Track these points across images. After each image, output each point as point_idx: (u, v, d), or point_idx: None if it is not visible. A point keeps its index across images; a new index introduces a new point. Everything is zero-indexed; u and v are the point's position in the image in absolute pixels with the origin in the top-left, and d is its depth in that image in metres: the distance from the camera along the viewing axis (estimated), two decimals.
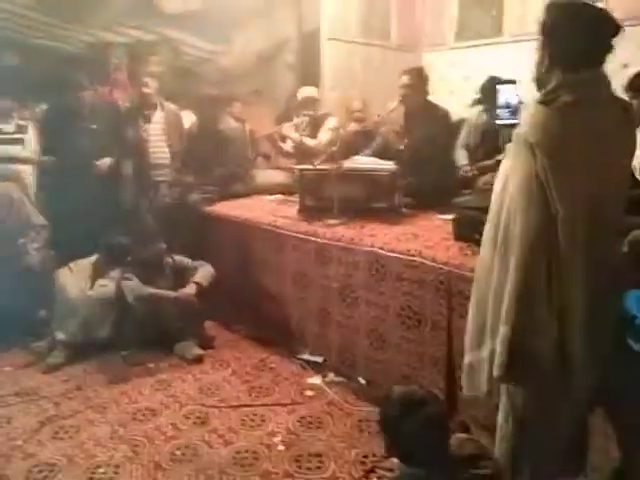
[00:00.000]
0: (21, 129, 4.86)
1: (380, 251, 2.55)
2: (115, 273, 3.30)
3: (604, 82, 1.52)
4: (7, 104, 4.85)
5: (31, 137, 4.80)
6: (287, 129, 4.14)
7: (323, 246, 2.86)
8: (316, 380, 2.80)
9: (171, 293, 3.09)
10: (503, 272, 1.55)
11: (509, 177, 1.56)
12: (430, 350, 2.40)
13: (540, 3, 1.62)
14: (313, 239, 2.91)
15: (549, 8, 1.58)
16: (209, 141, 3.96)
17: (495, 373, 1.54)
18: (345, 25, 5.13)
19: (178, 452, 2.25)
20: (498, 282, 1.57)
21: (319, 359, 2.98)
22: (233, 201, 3.81)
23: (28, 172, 4.00)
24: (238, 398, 2.66)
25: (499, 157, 3.22)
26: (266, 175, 4.14)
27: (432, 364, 2.40)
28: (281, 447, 2.26)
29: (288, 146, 4.29)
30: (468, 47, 5.44)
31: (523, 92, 4.84)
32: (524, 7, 4.97)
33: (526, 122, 1.53)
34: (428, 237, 2.60)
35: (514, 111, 2.33)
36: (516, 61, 4.92)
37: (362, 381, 2.75)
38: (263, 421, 2.46)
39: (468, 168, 3.30)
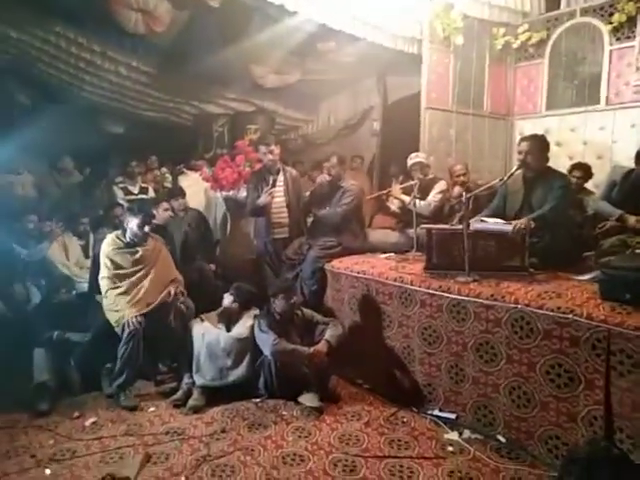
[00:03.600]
0: (144, 190, 5.38)
1: (527, 308, 2.62)
2: (245, 321, 3.52)
3: None
4: (132, 167, 5.40)
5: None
6: (397, 191, 4.36)
7: (458, 302, 2.95)
8: (453, 436, 2.83)
9: (306, 349, 3.23)
10: None
11: None
12: (584, 410, 2.40)
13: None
14: (446, 295, 3.01)
15: None
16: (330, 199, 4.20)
17: None
18: (442, 95, 5.42)
19: None
20: None
21: (452, 415, 3.01)
22: (349, 258, 3.98)
23: None
24: (380, 449, 2.72)
25: None
26: (379, 234, 4.33)
27: (587, 424, 2.39)
28: None
29: (395, 206, 4.52)
30: (559, 115, 5.60)
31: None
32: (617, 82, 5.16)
33: None
34: (572, 296, 2.65)
35: None
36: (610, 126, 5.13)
37: (502, 439, 2.75)
38: (412, 473, 2.50)
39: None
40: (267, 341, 3.24)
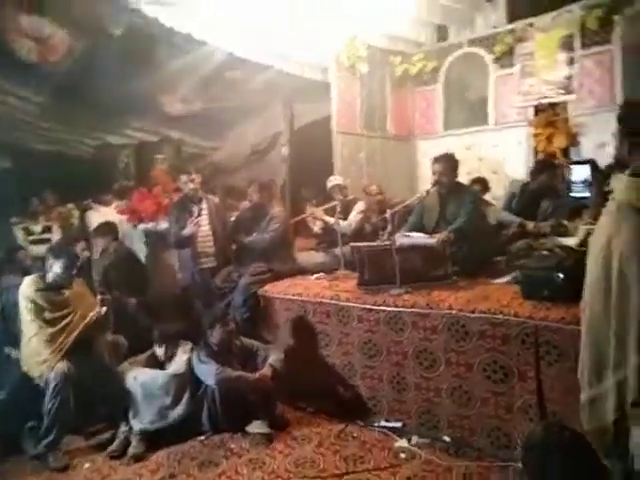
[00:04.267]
0: (47, 229, 5.06)
1: (460, 313, 2.82)
2: (180, 356, 3.41)
3: None
4: (34, 204, 5.06)
5: (55, 237, 4.98)
6: (319, 213, 4.49)
7: (395, 314, 3.10)
8: (403, 443, 2.93)
9: (251, 375, 3.20)
10: (621, 316, 1.85)
11: (613, 237, 1.90)
12: (519, 400, 2.62)
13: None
14: (383, 308, 3.15)
15: (623, 106, 2.03)
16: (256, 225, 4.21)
17: (631, 397, 1.79)
18: (351, 120, 5.68)
19: None
20: (618, 324, 1.86)
21: (398, 424, 3.12)
22: (282, 282, 4.02)
23: None
24: (337, 467, 2.76)
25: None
26: (306, 256, 4.41)
27: (523, 412, 2.61)
28: None
29: (317, 227, 4.65)
30: (455, 135, 6.10)
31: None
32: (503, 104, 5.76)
33: (629, 189, 1.89)
34: (497, 298, 2.91)
35: (588, 185, 2.74)
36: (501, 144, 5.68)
37: (447, 439, 2.90)
38: None
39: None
40: (210, 371, 3.17)
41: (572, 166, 3.00)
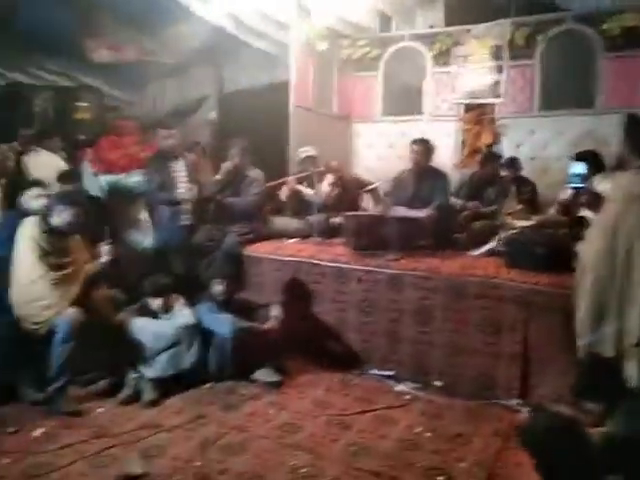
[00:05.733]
0: None
1: (460, 277, 3.33)
2: (180, 309, 3.47)
3: None
4: None
5: None
6: (292, 181, 4.72)
7: (395, 276, 3.52)
8: (403, 387, 3.39)
9: (261, 326, 3.39)
10: (626, 278, 2.48)
11: (620, 219, 2.52)
12: (507, 350, 3.22)
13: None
14: (385, 270, 3.55)
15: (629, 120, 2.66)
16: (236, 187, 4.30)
17: (634, 340, 2.43)
18: (304, 95, 5.90)
19: (351, 448, 2.64)
20: (622, 284, 2.49)
21: (390, 372, 3.56)
22: (265, 243, 4.20)
23: None
24: (354, 406, 3.11)
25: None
26: (282, 221, 4.61)
27: (509, 360, 3.21)
28: (428, 434, 2.81)
29: (283, 195, 4.86)
30: (391, 121, 6.64)
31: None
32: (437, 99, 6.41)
33: (635, 183, 2.51)
34: (483, 266, 3.48)
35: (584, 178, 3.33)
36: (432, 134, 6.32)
37: (438, 384, 3.41)
38: (394, 419, 2.97)
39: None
40: (225, 321, 3.30)
41: (572, 161, 3.63)
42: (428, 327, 3.44)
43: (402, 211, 3.90)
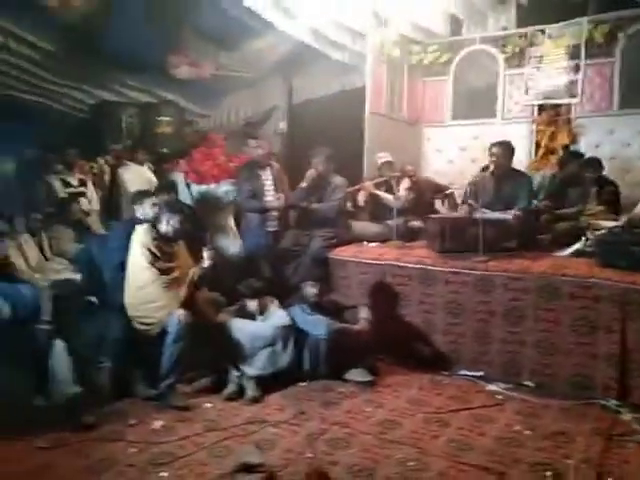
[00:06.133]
0: (83, 183, 4.97)
1: (553, 276, 3.33)
2: (275, 310, 3.65)
3: None
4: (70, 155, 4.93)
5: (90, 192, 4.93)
6: (370, 186, 4.84)
7: (483, 277, 3.56)
8: (494, 387, 3.41)
9: (354, 327, 3.52)
10: None
11: None
12: (603, 350, 3.19)
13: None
14: (474, 272, 3.60)
15: None
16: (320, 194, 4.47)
17: None
18: (378, 101, 6.01)
19: (452, 444, 2.71)
20: None
21: (479, 373, 3.59)
22: (348, 247, 4.34)
23: None
24: (448, 405, 3.17)
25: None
26: (362, 225, 4.74)
27: (606, 360, 3.18)
28: (527, 432, 2.83)
29: (361, 200, 4.98)
30: (462, 125, 6.63)
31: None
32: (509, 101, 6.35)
33: None
34: (575, 266, 3.46)
35: None
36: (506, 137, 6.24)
37: (530, 384, 3.41)
38: (491, 417, 3.01)
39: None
40: (320, 322, 3.46)
41: None
42: (519, 327, 3.45)
43: (487, 213, 3.92)
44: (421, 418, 3.01)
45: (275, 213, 4.41)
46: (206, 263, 3.50)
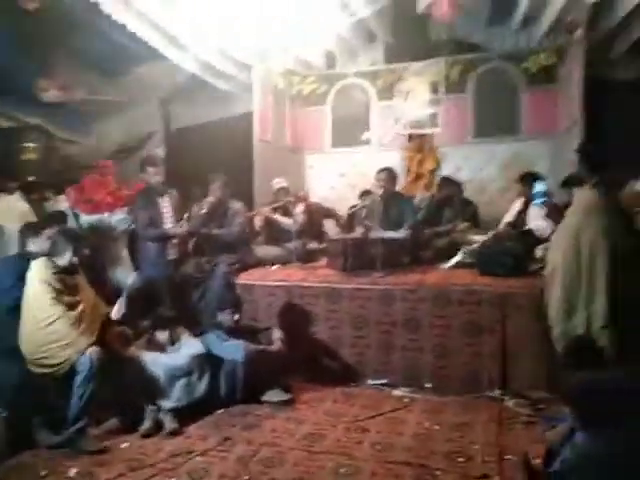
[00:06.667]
0: None
1: (444, 287, 3.76)
2: (187, 339, 3.63)
3: None
4: None
5: None
6: (266, 210, 5.02)
7: (386, 291, 3.89)
8: (399, 392, 3.73)
9: (272, 348, 3.62)
10: (592, 276, 3.01)
11: (583, 226, 3.06)
12: (487, 348, 3.67)
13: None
14: (376, 287, 3.92)
15: (582, 146, 3.24)
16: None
17: (600, 323, 2.94)
18: (265, 129, 6.23)
19: (376, 447, 2.93)
20: (588, 278, 3.01)
21: (384, 380, 3.89)
22: (252, 271, 4.44)
23: None
24: (364, 413, 3.40)
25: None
26: (262, 249, 4.86)
27: (490, 357, 3.66)
28: (436, 427, 3.17)
29: (257, 225, 5.15)
30: (342, 152, 7.12)
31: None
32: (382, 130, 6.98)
33: (593, 197, 3.07)
34: (459, 276, 3.95)
35: (543, 195, 3.91)
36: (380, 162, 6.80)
37: (429, 385, 3.79)
38: (403, 420, 3.29)
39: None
40: (237, 346, 3.50)
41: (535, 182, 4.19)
42: (417, 335, 3.83)
43: (381, 233, 4.30)
44: (342, 428, 3.19)
45: (175, 241, 4.35)
46: (116, 314, 3.36)
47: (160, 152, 8.28)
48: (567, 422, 2.36)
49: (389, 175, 4.77)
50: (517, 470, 2.56)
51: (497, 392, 3.60)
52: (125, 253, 4.61)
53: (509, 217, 4.89)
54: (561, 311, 3.13)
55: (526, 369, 3.58)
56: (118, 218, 4.48)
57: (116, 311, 3.34)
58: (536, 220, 4.21)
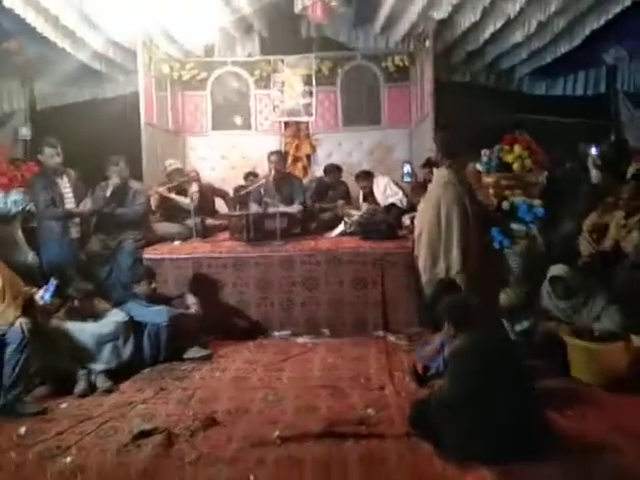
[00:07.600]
0: None
1: (335, 251, 4.50)
2: (105, 308, 3.90)
3: None
4: None
5: None
6: (164, 190, 5.32)
7: (286, 257, 4.51)
8: (302, 340, 4.39)
9: (190, 311, 4.02)
10: (448, 234, 3.94)
11: (442, 197, 3.99)
12: (372, 298, 4.49)
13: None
14: (276, 254, 4.51)
15: (437, 134, 4.17)
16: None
17: (455, 269, 3.89)
18: (150, 112, 6.40)
19: (293, 380, 3.56)
20: (446, 238, 3.95)
21: (288, 332, 4.52)
22: (158, 246, 4.76)
23: None
24: (277, 358, 3.99)
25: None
26: (163, 226, 5.14)
27: (374, 305, 4.49)
28: (339, 360, 3.89)
29: (154, 204, 5.42)
30: (223, 135, 7.53)
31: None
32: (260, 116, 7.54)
33: (448, 175, 4.00)
34: (345, 242, 4.72)
35: (410, 175, 4.72)
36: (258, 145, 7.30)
37: (326, 332, 4.51)
38: (310, 359, 3.96)
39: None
40: (160, 311, 3.85)
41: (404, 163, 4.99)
42: (315, 292, 4.51)
43: (282, 208, 4.90)
44: (261, 370, 3.75)
45: (77, 220, 4.48)
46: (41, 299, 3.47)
47: (26, 132, 7.86)
48: (436, 342, 3.24)
49: (280, 157, 5.37)
50: (406, 378, 3.38)
51: (381, 332, 4.43)
52: (20, 234, 4.57)
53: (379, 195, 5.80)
54: (428, 262, 4.03)
55: (402, 312, 4.46)
56: (13, 199, 4.43)
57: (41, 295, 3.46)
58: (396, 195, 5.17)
